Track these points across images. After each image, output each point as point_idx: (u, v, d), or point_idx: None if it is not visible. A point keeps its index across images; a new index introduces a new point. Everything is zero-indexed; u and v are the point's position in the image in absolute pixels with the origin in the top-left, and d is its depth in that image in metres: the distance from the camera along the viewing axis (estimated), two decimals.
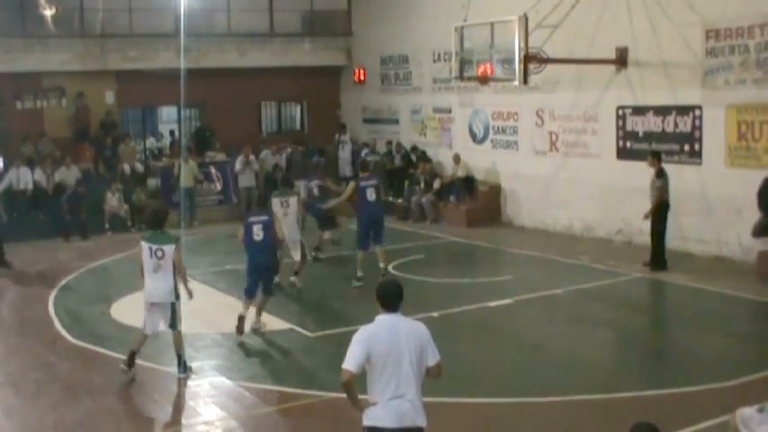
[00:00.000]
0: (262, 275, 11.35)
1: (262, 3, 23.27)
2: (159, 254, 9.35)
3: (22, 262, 16.30)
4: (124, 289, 13.95)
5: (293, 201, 13.53)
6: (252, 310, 11.32)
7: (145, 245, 9.46)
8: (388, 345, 5.45)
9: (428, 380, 5.71)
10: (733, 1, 14.36)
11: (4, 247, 16.18)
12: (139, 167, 21.31)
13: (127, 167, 20.80)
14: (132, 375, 9.56)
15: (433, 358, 5.59)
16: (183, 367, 9.65)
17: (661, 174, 14.13)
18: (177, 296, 9.48)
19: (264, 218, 11.44)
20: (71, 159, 19.89)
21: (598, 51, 16.26)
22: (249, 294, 11.33)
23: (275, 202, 13.18)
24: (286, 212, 13.20)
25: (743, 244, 14.37)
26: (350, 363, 5.42)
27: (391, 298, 5.62)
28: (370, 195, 13.62)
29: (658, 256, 14.25)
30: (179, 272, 9.46)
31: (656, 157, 14.35)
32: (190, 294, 9.71)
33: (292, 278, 13.71)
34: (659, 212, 14.13)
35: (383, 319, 5.58)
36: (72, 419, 8.58)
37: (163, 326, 9.59)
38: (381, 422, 5.47)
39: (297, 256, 13.68)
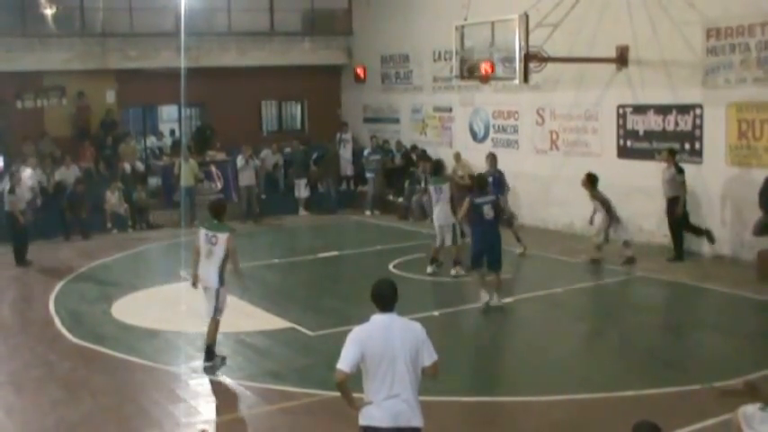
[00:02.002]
0: (491, 252, 11.95)
1: (262, 2, 23.27)
2: (213, 240, 9.79)
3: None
4: (125, 288, 13.98)
5: (446, 187, 14.17)
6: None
7: (202, 231, 9.97)
8: (382, 344, 5.45)
9: (427, 379, 5.71)
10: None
11: (27, 246, 16.22)
12: (140, 166, 21.30)
13: (127, 166, 20.80)
14: (219, 363, 9.86)
15: (429, 358, 5.58)
16: (208, 356, 9.82)
17: (681, 170, 14.33)
18: (222, 282, 9.81)
19: (492, 198, 12.29)
20: (71, 159, 19.88)
21: (599, 50, 16.26)
22: (478, 266, 12.02)
23: (431, 189, 14.33)
24: (439, 198, 14.09)
25: (743, 243, 14.37)
26: (343, 363, 5.44)
27: (386, 298, 5.63)
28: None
29: (680, 249, 14.53)
30: (232, 260, 9.83)
31: (671, 154, 14.44)
32: (243, 283, 10.28)
33: (453, 271, 14.01)
34: (681, 207, 14.37)
35: (378, 319, 5.59)
36: (73, 419, 8.58)
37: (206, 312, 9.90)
38: (377, 422, 5.48)
39: (449, 241, 14.09)
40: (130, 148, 21.47)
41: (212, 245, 9.78)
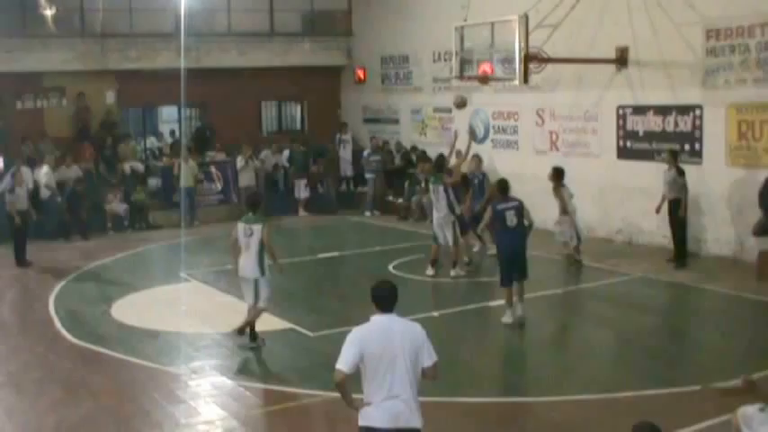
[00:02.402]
0: (516, 262, 11.22)
1: (262, 2, 23.27)
2: (248, 232, 10.30)
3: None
4: (125, 289, 13.98)
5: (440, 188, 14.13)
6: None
7: (240, 225, 10.46)
8: (381, 345, 5.46)
9: (427, 381, 5.70)
10: (733, 1, 14.34)
11: (26, 247, 16.23)
12: (140, 167, 21.30)
13: (127, 167, 20.80)
14: (261, 344, 10.49)
15: (429, 359, 5.58)
16: (252, 337, 10.47)
17: (682, 172, 14.27)
18: (263, 272, 10.36)
19: (516, 203, 11.36)
20: (72, 159, 19.87)
21: (598, 51, 16.26)
22: (507, 283, 11.20)
23: (432, 188, 14.26)
24: (440, 197, 14.05)
25: (743, 243, 14.37)
26: (343, 363, 5.45)
27: (386, 299, 5.63)
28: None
29: (682, 253, 14.45)
30: (267, 250, 10.33)
31: (673, 156, 14.44)
32: (280, 270, 10.67)
33: (452, 272, 13.96)
34: (682, 210, 14.32)
35: (377, 320, 5.60)
36: (72, 419, 8.58)
37: (250, 299, 10.46)
38: (376, 422, 5.48)
39: (450, 240, 14.02)
40: (130, 148, 21.48)
41: (248, 237, 10.28)
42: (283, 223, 20.47)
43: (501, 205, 11.30)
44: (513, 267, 11.18)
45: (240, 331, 10.47)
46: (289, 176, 22.23)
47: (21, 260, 16.05)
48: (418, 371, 5.55)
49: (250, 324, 10.52)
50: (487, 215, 11.61)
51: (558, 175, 14.75)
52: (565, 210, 14.62)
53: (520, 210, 11.28)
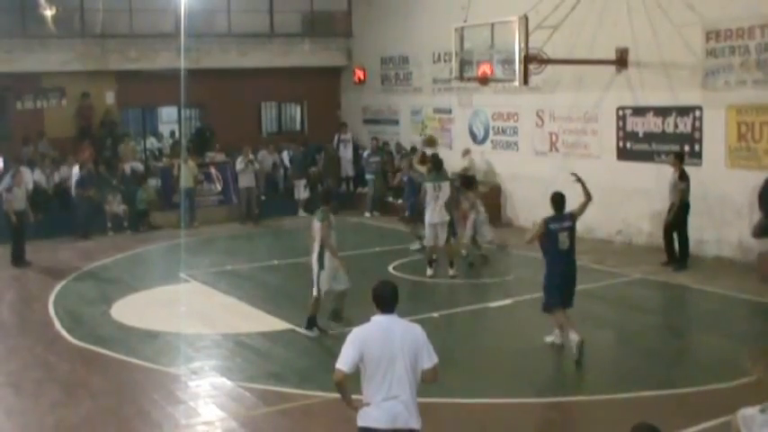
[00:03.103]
0: (568, 286, 10.08)
1: (262, 3, 23.28)
2: (314, 227, 10.93)
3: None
4: (125, 289, 13.97)
5: (445, 185, 14.15)
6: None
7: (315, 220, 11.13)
8: (381, 346, 5.46)
9: (427, 383, 5.68)
10: (733, 2, 14.36)
11: (25, 247, 16.25)
12: (140, 167, 21.30)
13: (127, 167, 20.80)
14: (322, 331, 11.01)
15: (429, 360, 5.57)
16: (309, 324, 10.98)
17: (684, 176, 14.18)
18: (321, 267, 10.81)
19: (569, 224, 10.02)
20: (73, 159, 19.89)
21: (598, 52, 16.26)
22: (554, 304, 10.04)
23: (429, 186, 14.06)
24: (438, 196, 14.01)
25: (743, 244, 14.37)
26: (342, 362, 5.46)
27: (387, 299, 5.63)
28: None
29: (682, 256, 14.37)
30: (326, 245, 10.72)
31: (678, 158, 14.38)
32: (336, 259, 10.87)
33: (451, 272, 14.04)
34: (681, 213, 14.24)
35: (378, 320, 5.60)
36: (72, 420, 8.58)
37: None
38: (375, 423, 5.48)
39: (442, 241, 14.08)
40: (130, 148, 21.47)
41: (312, 231, 10.92)
42: (283, 224, 20.49)
43: (554, 224, 9.94)
44: (563, 293, 10.09)
45: (310, 323, 11.02)
46: (288, 177, 22.23)
47: (18, 260, 16.05)
48: (418, 372, 5.55)
49: (313, 313, 11.05)
50: (538, 230, 10.11)
51: (466, 182, 15.40)
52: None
53: (572, 231, 10.05)
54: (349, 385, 5.52)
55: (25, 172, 18.97)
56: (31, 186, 19.00)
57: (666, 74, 15.50)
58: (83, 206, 18.79)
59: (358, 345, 5.49)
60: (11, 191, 16.18)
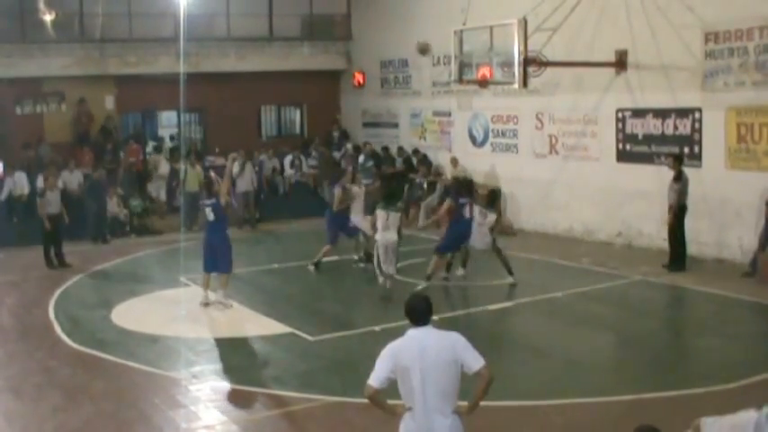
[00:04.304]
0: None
1: (261, 7, 23.29)
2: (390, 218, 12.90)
3: (21, 266, 16.32)
4: (125, 294, 13.97)
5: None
6: None
7: (381, 212, 13.04)
8: (413, 357, 5.34)
9: (483, 384, 5.52)
10: (732, 3, 14.37)
11: (58, 248, 16.39)
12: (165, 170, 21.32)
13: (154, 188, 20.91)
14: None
15: (476, 363, 5.44)
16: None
17: (680, 177, 14.18)
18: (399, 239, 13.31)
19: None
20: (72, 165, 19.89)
21: (597, 54, 16.28)
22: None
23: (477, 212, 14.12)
24: (483, 222, 14.10)
25: (743, 246, 14.37)
26: (373, 378, 5.37)
27: (419, 312, 5.51)
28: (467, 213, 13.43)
29: (678, 257, 14.36)
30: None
31: (677, 161, 14.37)
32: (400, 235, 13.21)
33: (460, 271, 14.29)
34: (678, 215, 14.23)
35: (411, 334, 5.49)
36: (73, 424, 8.57)
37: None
38: None
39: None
40: (134, 150, 21.45)
41: (386, 220, 12.85)
42: (282, 228, 20.49)
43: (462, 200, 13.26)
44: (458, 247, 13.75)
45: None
46: (286, 181, 22.29)
47: (50, 262, 16.24)
48: (457, 382, 5.45)
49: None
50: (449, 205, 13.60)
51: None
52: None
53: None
54: (383, 397, 5.45)
55: (20, 177, 19.00)
56: (27, 191, 18.95)
57: (666, 76, 15.51)
58: (92, 211, 18.79)
59: (390, 359, 5.40)
60: (43, 195, 16.32)
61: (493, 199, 15.15)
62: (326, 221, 15.42)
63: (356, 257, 15.33)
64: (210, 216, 12.77)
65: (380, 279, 13.22)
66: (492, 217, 13.92)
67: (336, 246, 15.36)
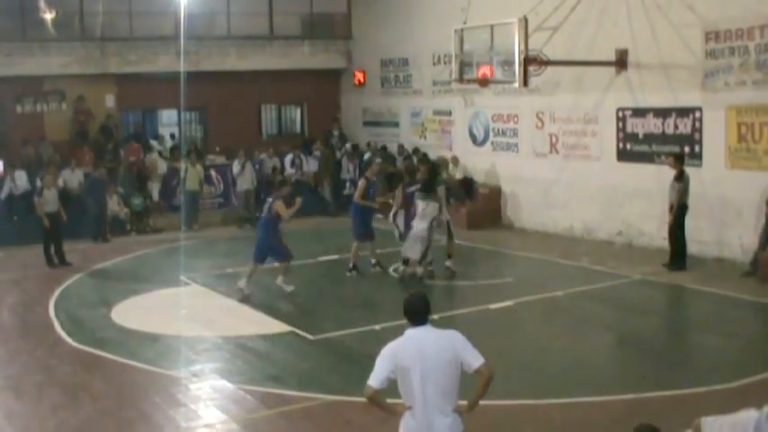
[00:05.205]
0: None
1: (261, 6, 23.30)
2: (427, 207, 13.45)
3: (21, 265, 16.33)
4: (125, 292, 13.97)
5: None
6: None
7: (420, 201, 13.68)
8: (412, 357, 5.33)
9: (483, 382, 5.52)
10: (732, 3, 14.36)
11: (58, 247, 16.37)
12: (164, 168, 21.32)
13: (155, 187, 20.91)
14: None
15: (476, 360, 5.44)
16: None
17: (681, 176, 14.17)
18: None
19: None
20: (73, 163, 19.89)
21: (598, 53, 16.27)
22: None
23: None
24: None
25: (743, 245, 14.36)
26: (373, 378, 5.37)
27: (417, 311, 5.50)
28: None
29: (678, 256, 14.34)
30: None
31: (678, 160, 14.36)
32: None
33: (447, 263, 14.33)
34: (679, 215, 14.21)
35: (410, 333, 5.48)
36: (73, 423, 8.58)
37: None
38: None
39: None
40: (134, 149, 21.47)
41: (424, 208, 13.58)
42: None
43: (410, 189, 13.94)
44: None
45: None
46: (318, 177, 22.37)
47: (51, 260, 16.22)
48: (456, 380, 5.45)
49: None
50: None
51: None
52: None
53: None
54: (383, 397, 5.44)
55: (19, 176, 18.99)
56: (20, 191, 18.91)
57: (666, 75, 15.50)
58: (94, 210, 18.80)
59: (390, 359, 5.40)
60: (41, 194, 16.32)
61: (467, 187, 15.04)
62: (352, 217, 15.03)
63: (373, 261, 14.88)
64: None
65: (418, 270, 13.96)
66: (433, 206, 13.76)
67: (366, 243, 14.89)
